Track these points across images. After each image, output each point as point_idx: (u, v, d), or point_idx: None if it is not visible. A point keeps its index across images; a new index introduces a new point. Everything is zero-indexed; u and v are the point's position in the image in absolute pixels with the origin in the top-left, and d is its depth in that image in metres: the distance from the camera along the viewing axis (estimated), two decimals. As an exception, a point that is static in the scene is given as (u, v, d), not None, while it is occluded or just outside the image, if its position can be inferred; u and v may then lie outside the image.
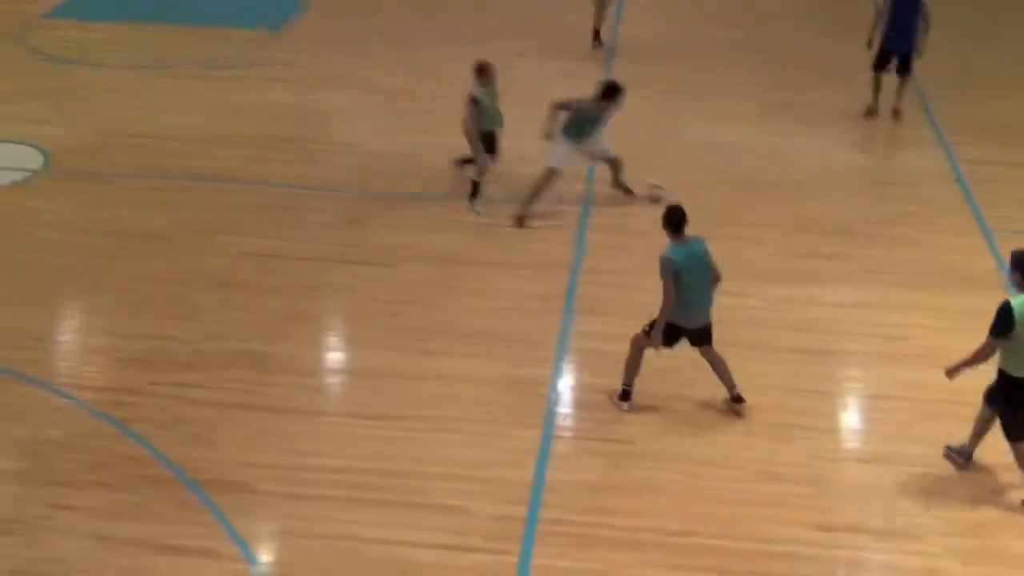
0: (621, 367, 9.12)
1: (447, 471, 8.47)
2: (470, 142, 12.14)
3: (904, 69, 14.23)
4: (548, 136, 11.83)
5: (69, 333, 10.36)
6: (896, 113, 14.48)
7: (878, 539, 7.97)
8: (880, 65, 14.25)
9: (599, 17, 16.63)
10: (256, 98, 14.83)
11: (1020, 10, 19.36)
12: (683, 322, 8.84)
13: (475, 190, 12.20)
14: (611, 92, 11.70)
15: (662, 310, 8.71)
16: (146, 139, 13.58)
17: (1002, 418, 8.22)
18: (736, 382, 9.12)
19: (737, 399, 9.11)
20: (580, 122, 11.71)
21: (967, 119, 14.70)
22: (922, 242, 11.80)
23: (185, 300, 10.46)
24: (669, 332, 8.84)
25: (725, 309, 9.65)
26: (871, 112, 14.48)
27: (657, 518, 8.07)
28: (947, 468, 8.61)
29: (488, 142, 12.16)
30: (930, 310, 10.58)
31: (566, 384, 9.57)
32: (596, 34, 16.69)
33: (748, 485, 8.43)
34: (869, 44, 14.17)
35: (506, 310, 10.43)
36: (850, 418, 9.38)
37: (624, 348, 9.09)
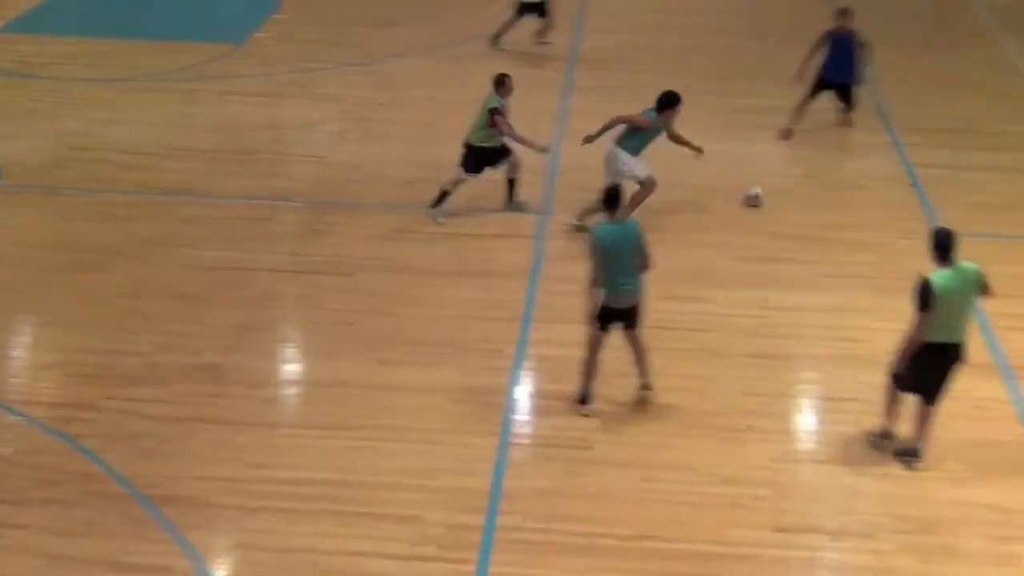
0: (576, 375, 9.13)
1: (403, 481, 8.44)
2: (521, 142, 11.90)
3: (847, 101, 14.24)
4: (589, 140, 11.80)
5: (20, 349, 10.25)
6: (847, 121, 14.51)
7: (834, 539, 8.00)
8: (815, 93, 14.14)
9: (508, 24, 16.89)
10: (215, 111, 14.76)
11: (970, 10, 19.62)
12: (615, 303, 8.88)
13: (441, 199, 12.11)
14: (672, 101, 11.70)
15: (589, 289, 8.81)
16: (101, 153, 13.49)
17: (918, 386, 8.53)
18: (651, 375, 9.27)
19: (647, 387, 9.25)
20: (645, 138, 11.71)
21: (921, 122, 14.83)
22: (877, 245, 11.87)
23: (139, 313, 10.38)
24: (603, 315, 8.89)
25: (681, 314, 9.71)
26: (787, 135, 14.26)
27: (614, 523, 8.06)
28: (896, 468, 8.66)
29: (478, 159, 12.00)
30: (885, 313, 10.57)
31: (523, 392, 9.55)
32: (496, 37, 16.97)
33: (704, 488, 8.44)
34: (800, 76, 13.90)
35: (463, 319, 10.41)
36: (806, 420, 9.41)
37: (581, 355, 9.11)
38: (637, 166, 11.69)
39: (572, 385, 9.20)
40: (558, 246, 11.64)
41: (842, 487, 8.49)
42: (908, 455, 8.71)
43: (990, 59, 17.28)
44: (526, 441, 8.98)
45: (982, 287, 8.38)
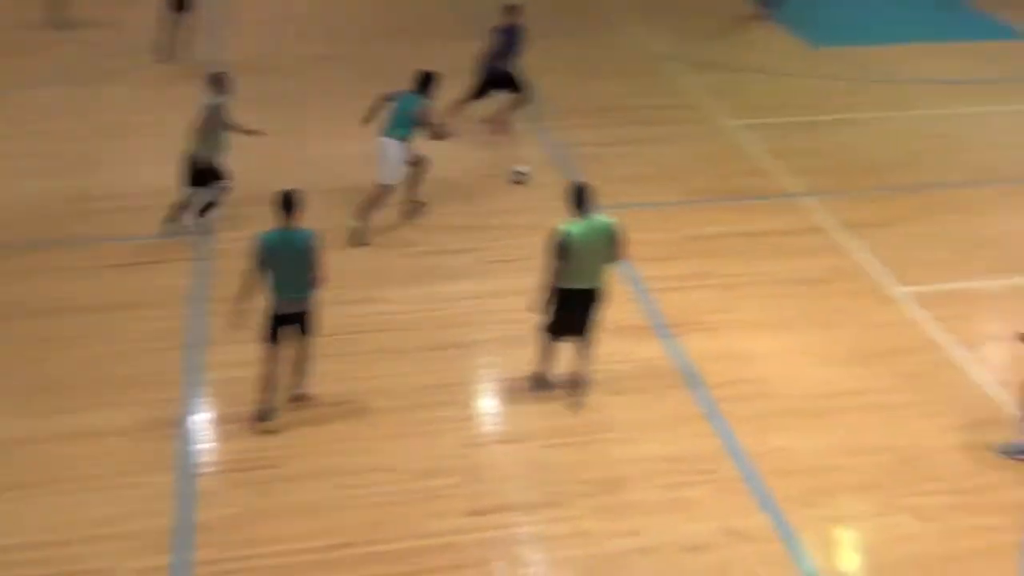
0: (253, 392, 9.08)
1: (91, 532, 8.05)
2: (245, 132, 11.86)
3: (511, 89, 14.64)
4: (366, 121, 12.02)
5: None
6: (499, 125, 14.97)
7: (527, 513, 8.33)
8: (482, 91, 14.56)
9: (172, 35, 16.88)
10: None
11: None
12: (283, 309, 8.88)
13: (177, 215, 11.81)
14: (429, 80, 11.94)
15: (239, 293, 8.87)
16: None
17: (568, 329, 9.33)
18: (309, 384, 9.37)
19: (301, 397, 9.34)
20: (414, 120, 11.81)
21: (567, 106, 15.62)
22: (539, 228, 12.27)
23: None
24: (273, 323, 8.89)
25: (359, 317, 9.76)
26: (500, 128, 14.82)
27: (314, 537, 8.04)
28: (581, 435, 9.12)
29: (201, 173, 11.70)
30: (551, 290, 11.14)
31: (199, 419, 9.30)
32: (163, 48, 17.01)
33: (401, 486, 8.57)
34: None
35: (128, 353, 10.02)
36: (490, 403, 9.71)
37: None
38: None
39: (250, 405, 9.08)
40: (221, 266, 11.40)
41: (529, 462, 8.85)
42: (544, 385, 9.55)
43: (623, 44, 18.42)
44: (211, 470, 8.76)
45: (613, 239, 9.06)
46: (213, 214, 11.92)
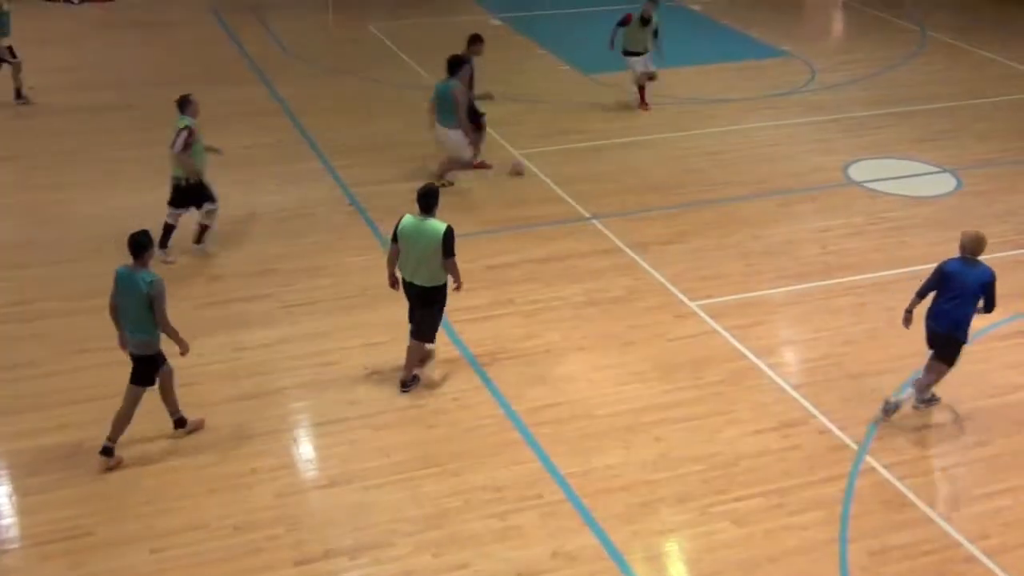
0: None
1: None
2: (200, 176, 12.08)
3: None
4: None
5: None
6: None
7: (353, 557, 8.13)
8: None
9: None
10: None
11: (367, 37, 20.89)
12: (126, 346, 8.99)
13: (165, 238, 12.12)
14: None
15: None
16: None
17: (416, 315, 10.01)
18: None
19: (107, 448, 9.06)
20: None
21: (345, 145, 15.55)
22: (333, 268, 12.23)
23: None
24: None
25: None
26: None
27: (131, 607, 7.63)
28: (400, 472, 8.99)
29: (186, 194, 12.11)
30: (355, 330, 10.99)
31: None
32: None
33: (220, 543, 8.23)
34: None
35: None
36: (304, 450, 9.45)
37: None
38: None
39: (55, 473, 8.57)
40: None
41: (349, 505, 8.66)
42: (408, 383, 10.03)
43: (398, 79, 18.47)
44: (15, 545, 8.19)
45: (435, 242, 9.54)
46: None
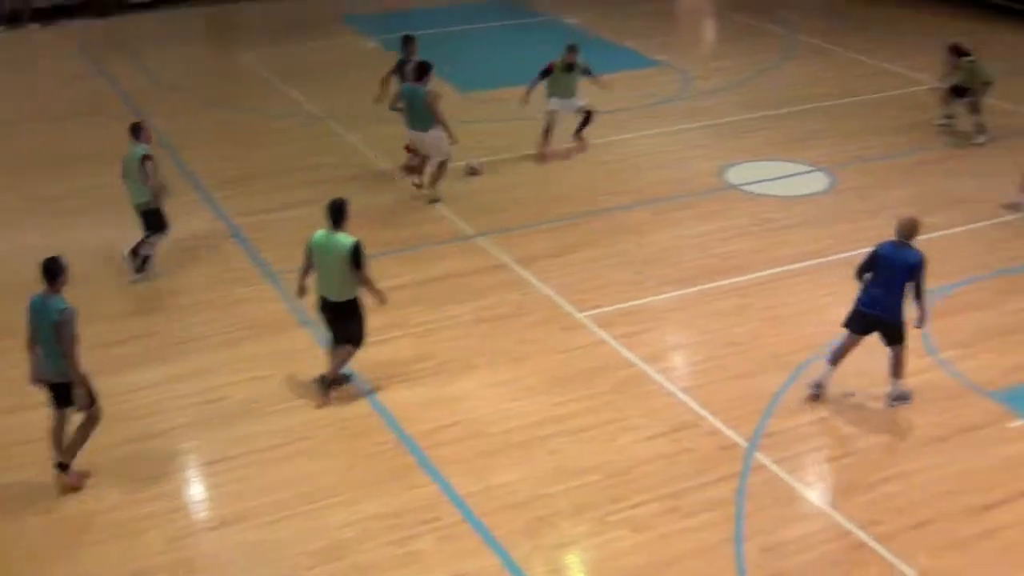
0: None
1: None
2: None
3: None
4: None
5: None
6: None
7: (252, 598, 7.98)
8: None
9: None
10: None
11: (251, 69, 20.68)
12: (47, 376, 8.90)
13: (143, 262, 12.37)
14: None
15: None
16: None
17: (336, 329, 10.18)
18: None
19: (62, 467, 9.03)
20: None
21: (225, 175, 15.34)
22: (216, 302, 12.02)
23: None
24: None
25: (46, 419, 9.09)
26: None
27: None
28: (294, 507, 8.85)
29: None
30: (242, 363, 10.82)
31: None
32: None
33: (110, 593, 8.01)
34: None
35: None
36: (194, 491, 9.25)
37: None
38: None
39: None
40: None
41: (245, 544, 8.48)
42: (336, 382, 10.23)
43: (274, 108, 18.31)
44: None
45: (345, 256, 9.72)
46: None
